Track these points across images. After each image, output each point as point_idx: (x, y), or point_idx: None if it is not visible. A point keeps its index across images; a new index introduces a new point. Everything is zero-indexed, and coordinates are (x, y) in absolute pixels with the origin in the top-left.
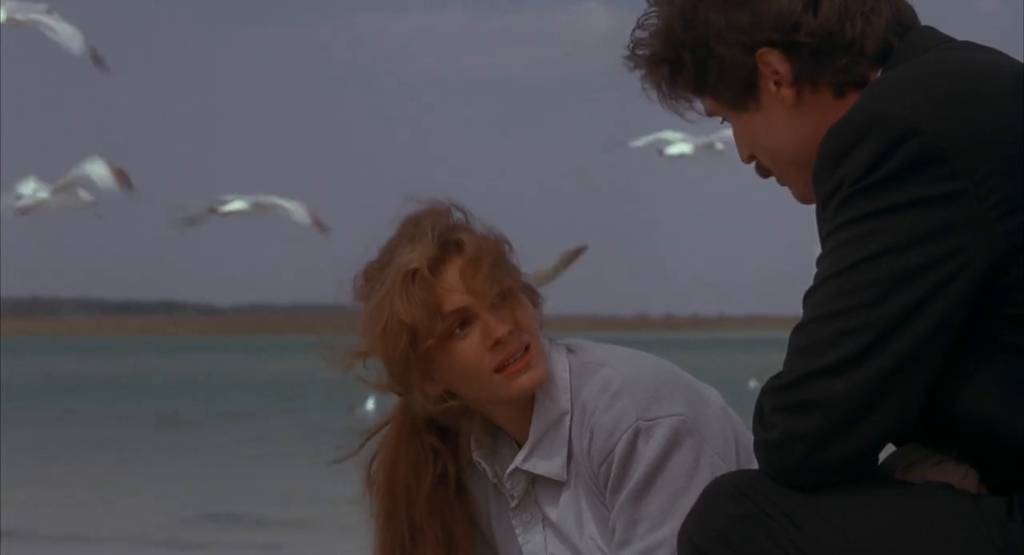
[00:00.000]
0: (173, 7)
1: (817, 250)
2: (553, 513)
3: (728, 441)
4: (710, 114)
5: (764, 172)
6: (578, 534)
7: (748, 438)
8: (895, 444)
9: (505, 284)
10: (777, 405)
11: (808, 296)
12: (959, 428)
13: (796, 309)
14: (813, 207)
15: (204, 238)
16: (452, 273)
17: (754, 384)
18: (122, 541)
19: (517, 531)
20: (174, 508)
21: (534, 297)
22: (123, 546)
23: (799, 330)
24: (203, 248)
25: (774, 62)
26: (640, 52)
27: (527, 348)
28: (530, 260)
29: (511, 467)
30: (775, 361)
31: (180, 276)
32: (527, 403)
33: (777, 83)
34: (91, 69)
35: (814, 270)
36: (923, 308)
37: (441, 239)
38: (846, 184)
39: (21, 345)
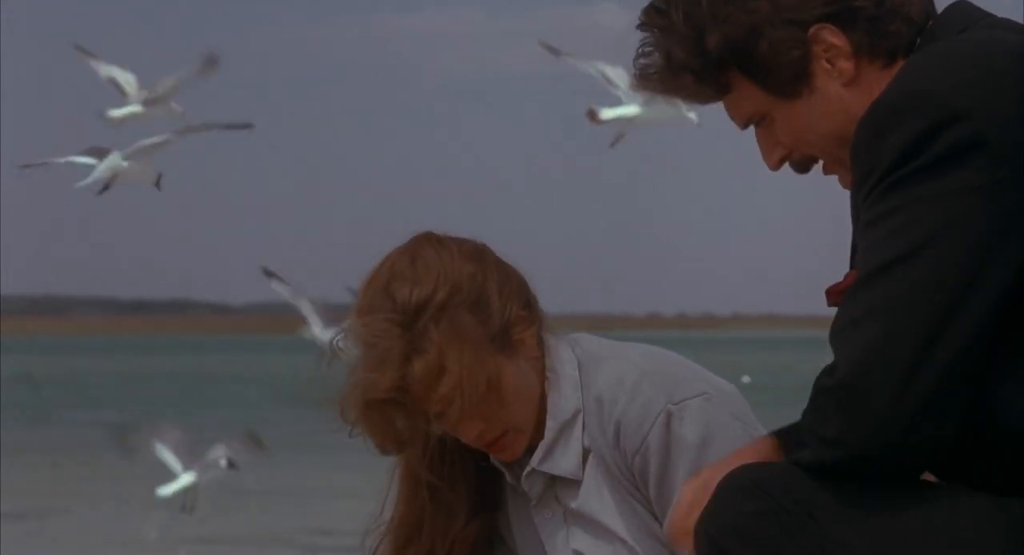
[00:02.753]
0: (185, 8)
1: (832, 247)
2: (573, 504)
3: (749, 412)
4: (747, 121)
5: (802, 166)
6: (600, 523)
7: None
8: (936, 469)
9: (472, 385)
10: (830, 400)
11: (856, 291)
12: (996, 431)
13: (810, 308)
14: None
15: (213, 237)
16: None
17: (747, 379)
18: (125, 543)
19: (540, 527)
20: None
21: (522, 330)
22: (127, 547)
23: (853, 326)
24: (215, 246)
25: (829, 37)
26: (653, 74)
27: (503, 432)
28: (546, 257)
29: (527, 469)
30: (786, 360)
31: (192, 274)
32: (539, 404)
33: (830, 61)
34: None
35: (828, 270)
36: (973, 299)
37: (401, 367)
38: (885, 168)
39: (32, 344)
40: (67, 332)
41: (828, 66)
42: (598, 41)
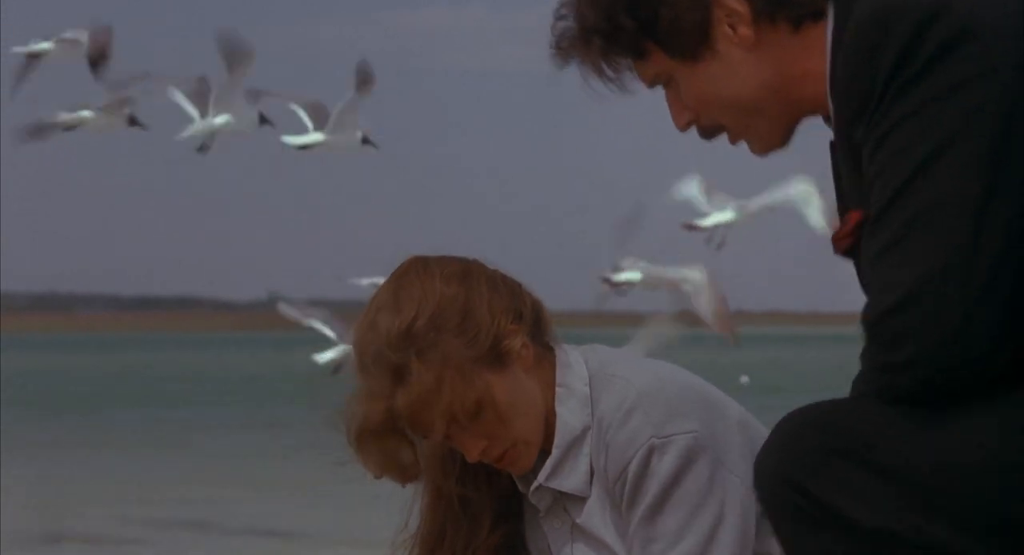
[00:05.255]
0: (189, 7)
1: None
2: (578, 519)
3: (744, 457)
4: (652, 81)
5: (709, 132)
6: (602, 541)
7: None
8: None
9: (463, 407)
10: (892, 324)
11: (886, 210)
12: None
13: (813, 305)
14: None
15: (218, 233)
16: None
17: (745, 380)
18: (128, 541)
19: (549, 537)
20: (185, 508)
21: (513, 342)
22: (130, 545)
23: (895, 245)
24: (218, 243)
25: (730, 2)
26: (566, 40)
27: (509, 447)
28: (549, 253)
29: (535, 485)
30: (790, 356)
31: (196, 271)
32: (546, 416)
33: (731, 26)
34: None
35: (828, 267)
36: (1007, 184)
37: (387, 399)
38: (883, 83)
39: (37, 341)
40: (71, 330)
41: (730, 31)
42: None
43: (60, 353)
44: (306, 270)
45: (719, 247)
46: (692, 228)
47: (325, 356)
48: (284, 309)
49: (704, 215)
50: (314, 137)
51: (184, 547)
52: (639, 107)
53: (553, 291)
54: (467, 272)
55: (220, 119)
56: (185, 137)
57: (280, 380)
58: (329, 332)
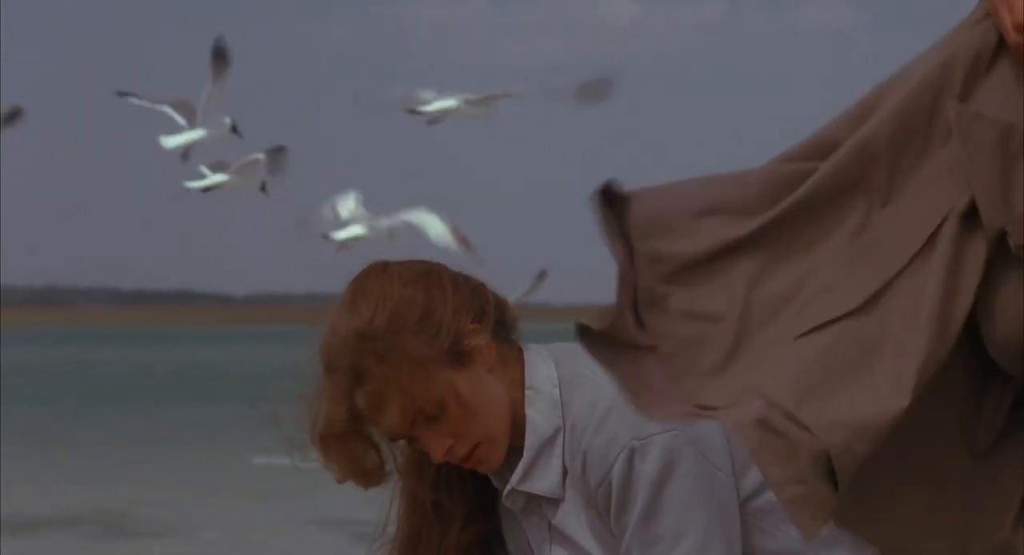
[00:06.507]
0: (188, 3)
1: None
2: (554, 521)
3: (724, 448)
4: None
5: None
6: (578, 544)
7: (739, 445)
8: None
9: (426, 405)
10: None
11: None
12: None
13: None
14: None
15: (219, 227)
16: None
17: None
18: (133, 536)
19: (528, 533)
20: (185, 506)
21: (475, 340)
22: (134, 540)
23: None
24: (218, 236)
25: None
26: None
27: (475, 445)
28: (550, 249)
29: (507, 488)
30: None
31: (195, 265)
32: (511, 414)
33: None
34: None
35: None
36: None
37: (347, 401)
38: None
39: (38, 335)
40: (75, 324)
41: None
42: (605, 31)
43: (61, 348)
44: (305, 265)
45: (431, 123)
46: (414, 112)
47: (172, 141)
48: (134, 102)
49: None
50: (216, 178)
51: (188, 546)
52: (632, 110)
53: (562, 284)
54: (427, 273)
55: (197, 133)
56: (169, 147)
57: (280, 375)
58: (179, 118)
